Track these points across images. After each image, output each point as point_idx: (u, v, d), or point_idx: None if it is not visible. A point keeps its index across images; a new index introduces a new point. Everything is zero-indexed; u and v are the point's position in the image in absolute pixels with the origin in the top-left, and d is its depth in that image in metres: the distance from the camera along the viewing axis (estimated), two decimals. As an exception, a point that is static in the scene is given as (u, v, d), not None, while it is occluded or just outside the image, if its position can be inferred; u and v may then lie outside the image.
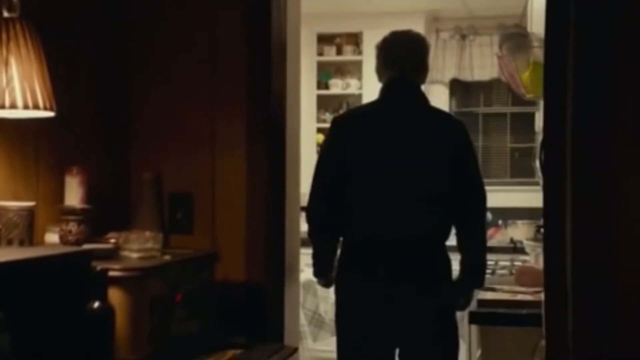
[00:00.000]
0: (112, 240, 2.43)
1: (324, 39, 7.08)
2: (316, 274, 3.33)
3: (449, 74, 7.06)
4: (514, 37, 4.01)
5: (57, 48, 2.36)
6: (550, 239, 2.48)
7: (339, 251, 3.28)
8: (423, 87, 3.35)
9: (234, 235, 2.88)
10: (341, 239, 3.24)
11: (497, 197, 6.53)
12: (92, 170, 2.49)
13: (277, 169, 2.97)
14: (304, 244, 3.35)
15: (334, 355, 3.35)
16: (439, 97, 6.97)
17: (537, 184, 4.87)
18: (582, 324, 2.38)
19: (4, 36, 2.06)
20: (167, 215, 2.89)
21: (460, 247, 3.23)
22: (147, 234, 2.42)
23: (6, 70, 2.04)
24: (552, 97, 2.49)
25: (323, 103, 7.12)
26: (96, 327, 2.10)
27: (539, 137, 3.81)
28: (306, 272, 3.73)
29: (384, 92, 3.25)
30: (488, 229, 6.29)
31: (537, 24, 3.71)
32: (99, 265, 2.16)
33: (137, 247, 2.36)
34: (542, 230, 2.90)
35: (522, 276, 3.66)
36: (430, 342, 3.11)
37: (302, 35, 3.28)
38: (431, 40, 6.87)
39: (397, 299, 3.06)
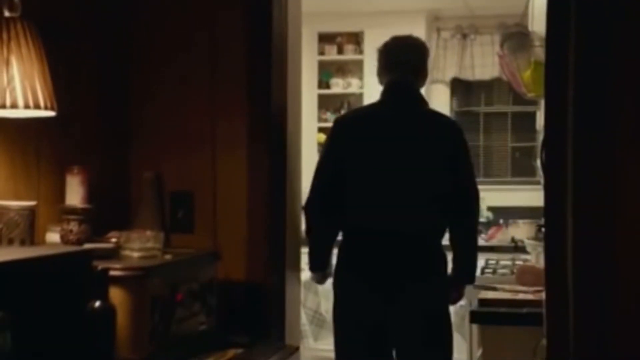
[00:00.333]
0: (113, 240, 2.43)
1: (325, 38, 7.08)
2: (312, 268, 3.43)
3: (450, 73, 7.06)
4: (515, 36, 4.01)
5: (58, 48, 2.36)
6: (551, 238, 2.48)
7: (334, 250, 3.38)
8: (423, 87, 3.49)
9: (234, 235, 2.88)
10: (339, 237, 3.35)
11: (498, 196, 6.54)
12: (93, 170, 2.49)
13: (278, 168, 2.97)
14: (305, 243, 3.37)
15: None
16: (440, 96, 6.98)
17: (538, 183, 4.87)
18: (583, 323, 2.38)
19: (5, 36, 2.06)
20: (168, 214, 2.89)
21: (453, 245, 3.36)
22: (148, 233, 2.42)
23: (7, 70, 2.04)
24: (553, 96, 2.49)
25: (324, 102, 7.13)
26: (97, 326, 2.09)
27: (540, 137, 3.81)
28: (307, 272, 3.73)
29: (384, 94, 3.36)
30: (489, 229, 6.33)
31: (538, 23, 3.71)
32: (100, 265, 2.16)
33: (138, 246, 2.36)
34: (543, 229, 2.91)
35: (523, 275, 3.66)
36: (427, 336, 3.20)
37: (303, 35, 3.28)
38: (432, 40, 6.88)
39: (395, 294, 3.14)
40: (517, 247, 5.95)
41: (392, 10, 6.59)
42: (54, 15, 2.47)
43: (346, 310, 3.26)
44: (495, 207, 6.52)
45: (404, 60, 3.36)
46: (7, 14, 2.09)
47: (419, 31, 6.40)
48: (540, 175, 3.49)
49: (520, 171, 7.07)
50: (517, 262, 4.87)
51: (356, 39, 7.08)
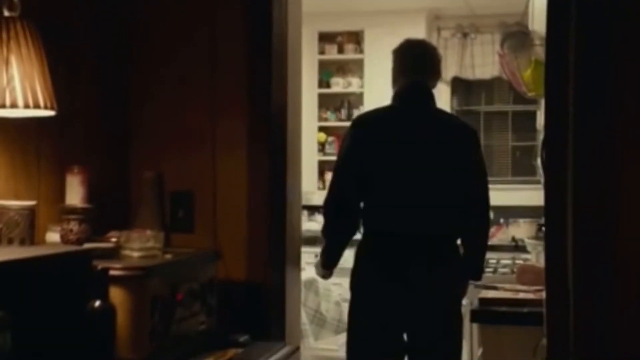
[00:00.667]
0: (113, 240, 2.43)
1: (325, 38, 7.08)
2: (325, 264, 3.45)
3: (451, 73, 7.05)
4: (516, 36, 4.02)
5: (57, 47, 2.36)
6: (552, 237, 2.48)
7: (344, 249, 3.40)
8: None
9: (235, 234, 2.88)
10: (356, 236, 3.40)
11: (499, 195, 6.50)
12: (93, 170, 2.49)
13: (278, 168, 2.97)
14: (305, 242, 3.37)
15: (336, 354, 3.38)
16: (440, 95, 6.97)
17: (538, 182, 4.87)
18: (583, 322, 2.38)
19: (4, 35, 2.06)
20: (168, 214, 2.88)
21: (464, 242, 3.41)
22: (148, 233, 2.42)
23: (7, 70, 2.04)
24: (554, 95, 2.49)
25: (324, 102, 7.13)
26: (97, 326, 2.09)
27: (541, 136, 3.81)
28: (307, 271, 3.73)
29: (402, 96, 3.40)
30: (490, 228, 6.32)
31: (538, 22, 3.71)
32: (100, 265, 2.16)
33: (138, 246, 2.36)
34: (543, 228, 2.91)
35: (524, 275, 3.66)
36: (443, 329, 3.29)
37: (303, 34, 3.28)
38: (432, 39, 6.88)
39: (415, 290, 3.19)
40: (517, 247, 5.96)
41: (393, 9, 6.58)
42: (53, 15, 2.47)
43: (366, 305, 3.29)
44: (496, 206, 6.49)
45: (421, 63, 3.42)
46: (6, 13, 2.09)
47: (419, 30, 6.41)
48: (540, 175, 3.49)
49: (521, 170, 7.07)
50: (518, 262, 4.88)
51: (356, 38, 7.08)
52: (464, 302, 3.83)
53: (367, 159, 3.26)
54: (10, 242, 2.18)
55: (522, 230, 6.28)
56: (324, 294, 5.43)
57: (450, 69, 7.04)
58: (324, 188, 7.00)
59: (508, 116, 7.25)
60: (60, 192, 2.45)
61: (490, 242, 3.56)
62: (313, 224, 6.67)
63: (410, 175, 3.25)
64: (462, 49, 7.04)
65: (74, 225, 2.37)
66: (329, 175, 7.02)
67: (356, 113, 6.99)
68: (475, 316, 3.41)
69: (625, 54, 2.37)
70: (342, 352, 3.47)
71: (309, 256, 5.16)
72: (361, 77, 7.01)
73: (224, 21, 2.90)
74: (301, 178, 3.26)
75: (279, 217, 2.97)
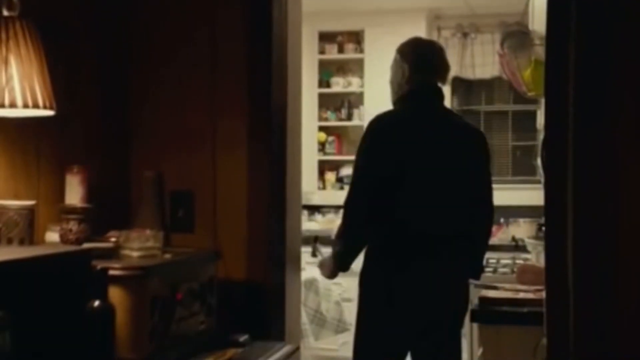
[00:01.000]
0: (113, 239, 2.43)
1: (325, 37, 7.08)
2: (343, 267, 3.43)
3: (451, 72, 7.02)
4: (516, 35, 4.01)
5: (57, 47, 2.36)
6: (552, 237, 2.48)
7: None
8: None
9: (235, 234, 2.88)
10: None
11: (499, 195, 6.48)
12: (92, 169, 2.49)
13: (278, 168, 2.97)
14: (305, 242, 3.37)
15: (336, 353, 3.38)
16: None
17: (538, 182, 4.87)
18: (584, 322, 2.37)
19: (3, 35, 2.06)
20: (169, 214, 2.88)
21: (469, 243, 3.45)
22: (148, 232, 2.42)
23: (6, 69, 2.04)
24: (554, 95, 2.49)
25: (324, 101, 7.12)
26: (96, 326, 2.09)
27: (541, 135, 3.81)
28: (307, 271, 3.73)
29: (419, 95, 3.42)
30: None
31: (538, 21, 3.71)
32: (100, 264, 2.16)
33: (138, 245, 2.35)
34: (543, 228, 2.91)
35: (524, 274, 3.66)
36: (455, 327, 3.40)
37: (304, 34, 3.28)
38: (433, 39, 6.87)
39: (437, 289, 3.26)
40: (517, 246, 5.96)
41: (393, 9, 6.58)
42: (53, 14, 2.47)
43: (383, 303, 3.30)
44: (496, 206, 6.50)
45: (436, 63, 3.48)
46: (6, 13, 2.09)
47: (419, 30, 6.41)
48: (540, 174, 3.50)
49: (521, 170, 7.07)
50: (518, 261, 4.88)
51: (357, 38, 7.08)
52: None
53: (395, 160, 3.26)
54: (9, 242, 2.18)
55: (522, 230, 6.28)
56: (324, 293, 5.43)
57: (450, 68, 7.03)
58: (324, 188, 7.00)
59: (508, 116, 7.25)
60: (60, 191, 2.45)
61: (490, 242, 3.60)
62: (313, 224, 6.67)
63: (438, 175, 3.30)
64: (462, 48, 7.04)
65: (73, 225, 2.37)
66: (329, 175, 7.05)
67: (356, 113, 7.01)
68: (475, 316, 3.40)
69: (625, 54, 2.36)
70: (342, 352, 3.49)
71: (309, 256, 5.17)
72: (361, 76, 7.01)
73: (224, 21, 2.90)
74: (301, 178, 3.26)
75: (279, 217, 2.97)
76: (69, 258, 2.06)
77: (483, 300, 3.40)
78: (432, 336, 3.32)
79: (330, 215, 6.69)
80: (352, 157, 3.54)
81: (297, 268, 3.23)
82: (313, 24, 6.32)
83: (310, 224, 6.52)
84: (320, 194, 6.90)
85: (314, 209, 6.80)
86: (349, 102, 7.08)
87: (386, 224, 3.29)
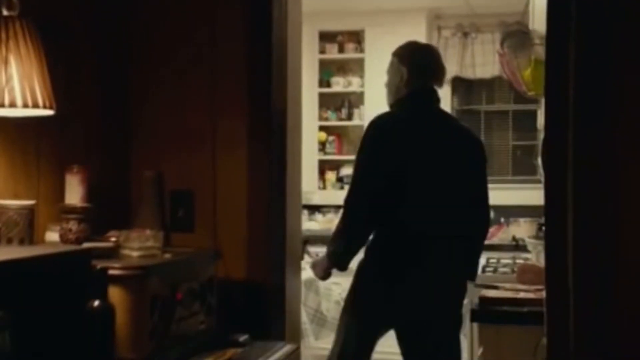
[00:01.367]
0: (113, 239, 2.43)
1: (325, 37, 7.08)
2: (341, 266, 3.45)
3: (451, 72, 7.03)
4: (516, 35, 4.01)
5: (57, 47, 2.36)
6: (552, 236, 2.48)
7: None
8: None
9: (235, 233, 2.88)
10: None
11: (499, 194, 6.49)
12: (92, 169, 2.49)
13: (279, 167, 2.97)
14: (305, 242, 3.37)
15: (335, 353, 3.36)
16: (440, 95, 6.96)
17: (539, 181, 4.87)
18: (584, 322, 2.37)
19: (3, 35, 2.06)
20: (169, 213, 2.88)
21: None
22: (148, 232, 2.42)
23: (6, 69, 2.04)
24: (554, 94, 2.49)
25: (325, 101, 7.12)
26: (96, 326, 2.09)
27: (541, 135, 3.81)
28: (307, 271, 3.73)
29: (418, 98, 3.46)
30: (490, 227, 6.32)
31: (538, 21, 3.71)
32: (99, 264, 2.16)
33: (138, 245, 2.35)
34: (543, 228, 2.91)
35: (524, 274, 3.66)
36: (457, 326, 3.47)
37: (304, 33, 3.28)
38: (433, 38, 6.88)
39: (440, 290, 3.32)
40: (518, 246, 5.96)
41: (393, 8, 6.58)
42: (53, 14, 2.47)
43: (379, 303, 3.32)
44: (496, 206, 6.49)
45: (435, 67, 3.52)
46: (5, 12, 2.08)
47: (419, 30, 6.42)
48: (541, 174, 3.50)
49: (521, 169, 7.07)
50: (518, 261, 4.86)
51: (357, 37, 7.07)
52: (465, 301, 3.84)
53: (396, 160, 3.28)
54: (9, 241, 2.18)
55: (522, 229, 6.27)
56: (324, 293, 5.43)
57: (450, 68, 7.00)
58: (324, 188, 7.00)
59: (509, 115, 7.25)
60: (60, 191, 2.45)
61: (490, 242, 3.65)
62: (313, 224, 6.67)
63: (438, 176, 3.32)
64: (462, 48, 7.03)
65: (73, 225, 2.37)
66: (329, 175, 7.04)
67: (357, 112, 7.00)
68: (475, 315, 3.40)
69: (625, 54, 2.36)
70: (342, 352, 3.48)
71: (309, 256, 5.16)
72: (361, 76, 7.01)
73: (224, 21, 2.90)
74: (301, 178, 3.26)
75: (279, 216, 2.96)
76: (69, 258, 2.06)
77: (483, 300, 3.40)
78: (431, 336, 3.32)
79: (330, 215, 6.69)
80: (353, 157, 3.54)
81: (297, 268, 3.23)
82: (313, 23, 6.31)
83: (310, 224, 6.52)
84: (321, 194, 6.90)
85: (314, 209, 6.80)
86: (349, 102, 7.08)
87: (386, 224, 3.29)
